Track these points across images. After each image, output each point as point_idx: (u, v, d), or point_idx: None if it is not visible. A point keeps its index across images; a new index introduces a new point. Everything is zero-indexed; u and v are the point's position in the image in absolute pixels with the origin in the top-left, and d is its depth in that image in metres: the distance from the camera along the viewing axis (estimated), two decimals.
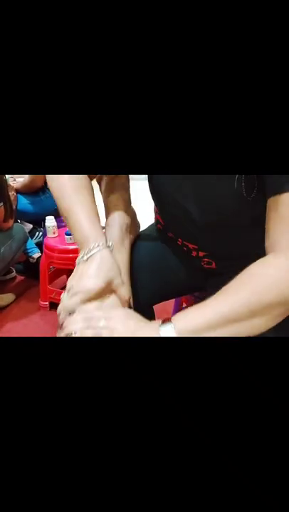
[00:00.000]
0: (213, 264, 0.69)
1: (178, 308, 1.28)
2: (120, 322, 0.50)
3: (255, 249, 0.52)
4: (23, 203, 1.78)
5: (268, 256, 0.48)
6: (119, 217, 0.69)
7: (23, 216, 1.89)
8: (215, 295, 0.47)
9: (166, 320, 0.48)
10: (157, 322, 0.49)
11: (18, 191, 1.78)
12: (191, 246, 0.69)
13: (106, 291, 0.55)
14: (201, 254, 0.69)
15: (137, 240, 0.76)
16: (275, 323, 0.47)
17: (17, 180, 1.81)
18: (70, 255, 1.46)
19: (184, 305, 1.27)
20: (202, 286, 0.76)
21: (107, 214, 0.71)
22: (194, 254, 0.71)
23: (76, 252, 1.43)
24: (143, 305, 0.70)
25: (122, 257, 0.65)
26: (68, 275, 2.11)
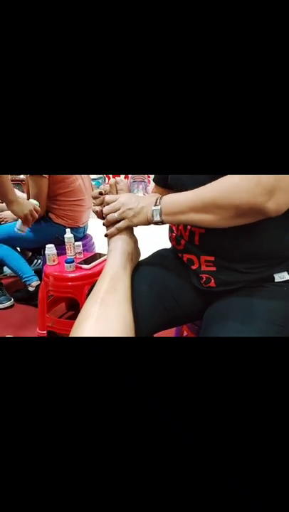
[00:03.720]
0: (212, 281, 0.70)
1: (179, 336, 1.26)
2: (127, 210, 0.70)
3: (251, 252, 0.64)
4: None
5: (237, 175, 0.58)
6: (122, 244, 0.71)
7: (24, 243, 1.89)
8: (194, 189, 0.62)
9: (157, 202, 0.67)
10: (152, 202, 0.68)
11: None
12: (193, 257, 0.72)
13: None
14: (202, 260, 0.70)
15: (138, 267, 0.77)
16: (225, 225, 0.60)
17: None
18: (70, 283, 1.45)
19: (185, 333, 1.25)
20: (202, 312, 0.75)
21: (110, 240, 0.73)
22: (195, 266, 0.72)
23: (75, 280, 1.44)
24: (144, 334, 0.68)
25: (124, 282, 0.66)
26: (67, 303, 2.06)
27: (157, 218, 0.66)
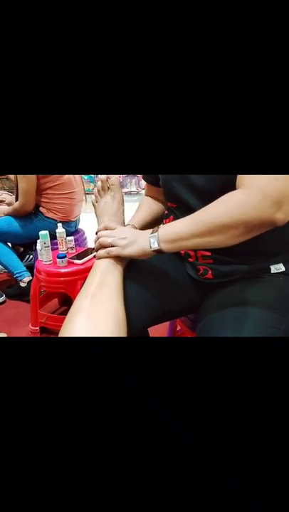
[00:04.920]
0: (210, 272, 0.70)
1: (172, 331, 1.26)
2: (121, 239, 0.67)
3: (247, 249, 0.62)
4: (15, 225, 1.76)
5: (236, 190, 0.57)
6: None
7: (15, 239, 1.87)
8: (195, 213, 0.60)
9: (154, 230, 0.63)
10: (148, 232, 0.65)
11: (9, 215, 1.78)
12: (189, 250, 0.71)
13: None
14: (199, 254, 0.70)
15: (131, 261, 0.76)
16: (233, 243, 0.58)
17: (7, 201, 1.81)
18: (62, 278, 1.44)
19: (178, 328, 1.25)
20: (197, 306, 0.75)
21: None
22: (192, 259, 0.72)
23: (67, 275, 1.43)
24: (138, 328, 0.68)
25: (115, 276, 0.66)
26: (60, 299, 2.04)
27: (155, 246, 0.62)
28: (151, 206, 0.88)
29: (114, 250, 0.67)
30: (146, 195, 0.93)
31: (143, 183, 4.96)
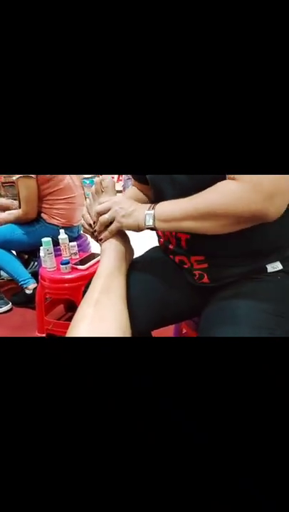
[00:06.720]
0: (206, 277, 0.70)
1: (178, 334, 1.25)
2: (119, 209, 0.68)
3: (241, 250, 0.64)
4: (18, 233, 1.77)
5: (231, 180, 0.56)
6: (115, 242, 0.71)
7: (19, 246, 1.88)
8: (190, 197, 0.60)
9: (151, 207, 0.65)
10: (145, 207, 0.66)
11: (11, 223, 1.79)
12: (183, 258, 0.71)
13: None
14: (192, 260, 0.70)
15: (132, 265, 0.76)
16: (225, 231, 0.59)
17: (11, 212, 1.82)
18: (66, 285, 1.44)
19: (184, 331, 1.24)
20: (200, 310, 0.75)
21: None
22: (187, 265, 0.72)
23: (71, 281, 1.43)
24: (141, 331, 0.68)
25: (119, 282, 0.66)
26: (66, 305, 2.04)
27: (150, 223, 0.63)
28: (138, 197, 0.88)
29: (114, 226, 0.69)
30: (133, 185, 0.93)
31: None
